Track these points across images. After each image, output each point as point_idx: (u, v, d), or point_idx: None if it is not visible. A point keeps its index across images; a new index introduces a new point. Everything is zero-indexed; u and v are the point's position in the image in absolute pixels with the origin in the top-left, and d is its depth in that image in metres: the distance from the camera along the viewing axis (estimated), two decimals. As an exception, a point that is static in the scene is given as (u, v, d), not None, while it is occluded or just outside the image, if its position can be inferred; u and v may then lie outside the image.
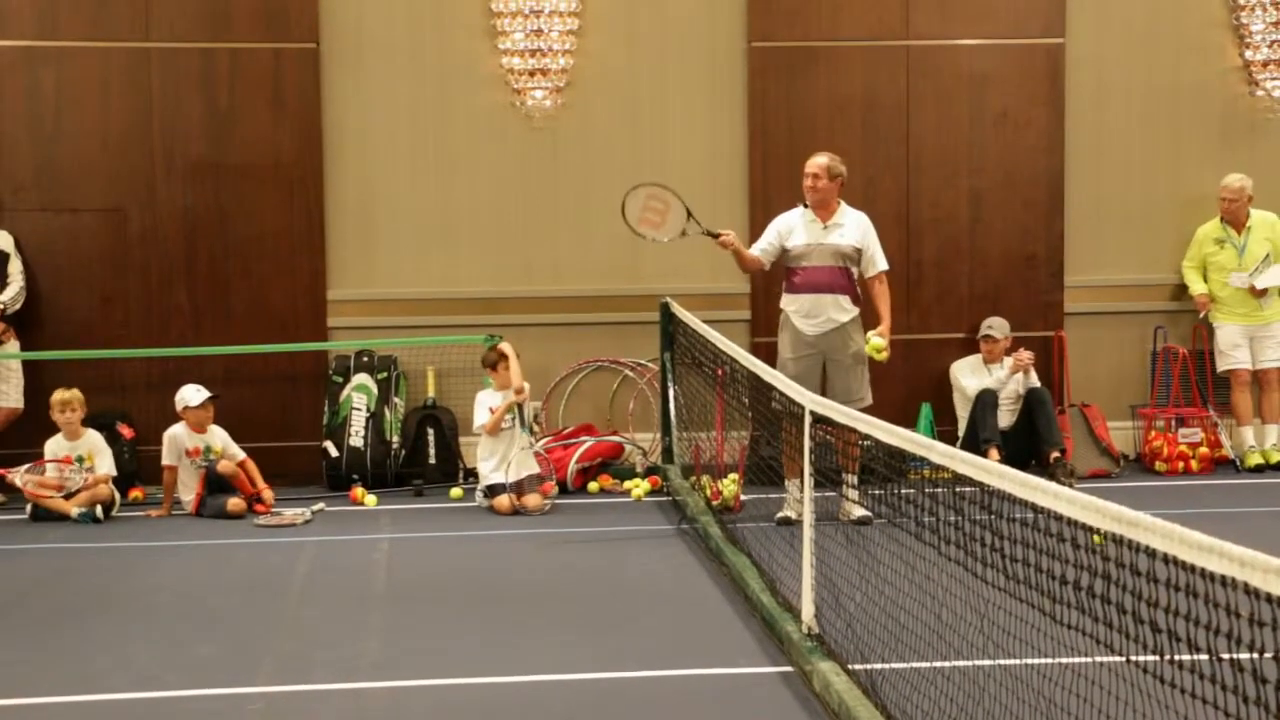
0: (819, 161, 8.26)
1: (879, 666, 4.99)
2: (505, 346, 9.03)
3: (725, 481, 8.37)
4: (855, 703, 4.72)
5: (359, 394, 9.68)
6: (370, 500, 9.11)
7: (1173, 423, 9.89)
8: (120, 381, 9.70)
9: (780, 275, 8.48)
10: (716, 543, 7.32)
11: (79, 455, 8.85)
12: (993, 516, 4.02)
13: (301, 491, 9.36)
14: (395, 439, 9.66)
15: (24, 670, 5.67)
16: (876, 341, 8.20)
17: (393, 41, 9.88)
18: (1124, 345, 10.32)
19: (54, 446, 8.88)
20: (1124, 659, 3.34)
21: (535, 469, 8.88)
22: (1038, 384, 9.65)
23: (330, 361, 9.88)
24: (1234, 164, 10.08)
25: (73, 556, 7.82)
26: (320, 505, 8.93)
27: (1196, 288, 10.07)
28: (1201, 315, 10.08)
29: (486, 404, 8.93)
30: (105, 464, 8.89)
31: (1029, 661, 4.21)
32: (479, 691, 5.36)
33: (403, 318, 9.90)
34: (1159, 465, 9.78)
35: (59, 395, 8.88)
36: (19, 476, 8.74)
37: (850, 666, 5.07)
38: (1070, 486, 5.74)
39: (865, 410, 6.35)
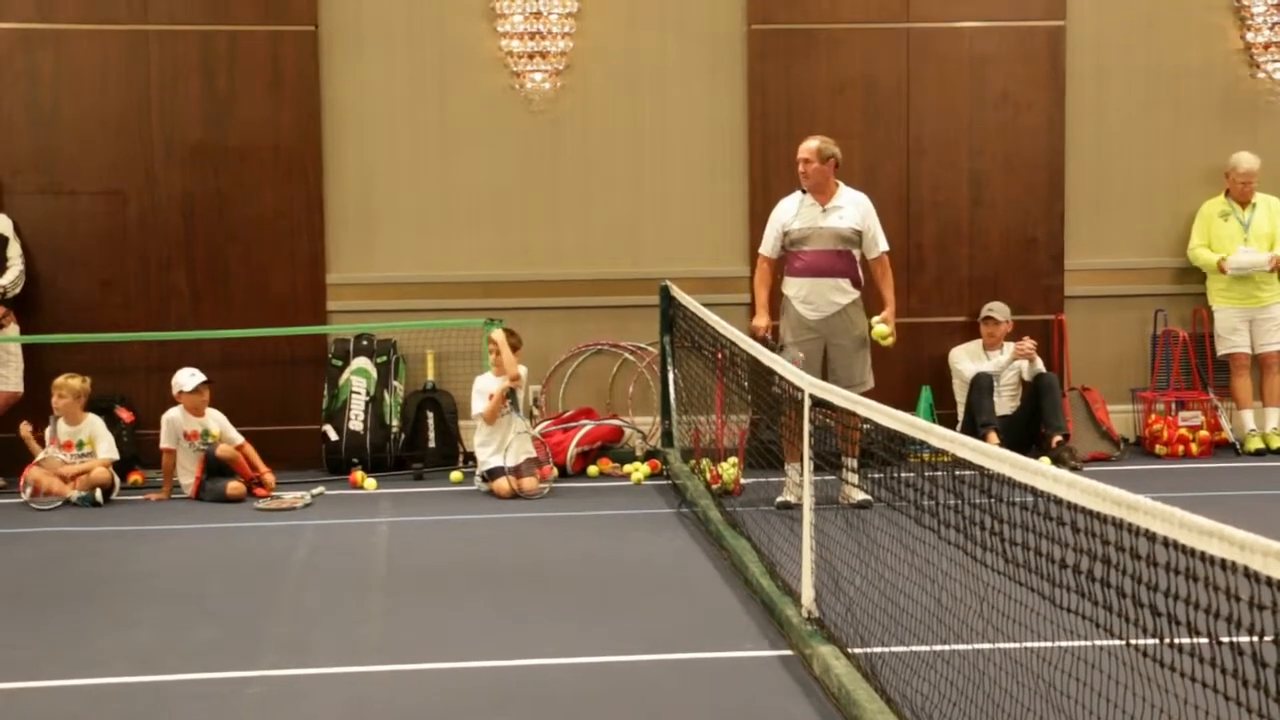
0: (810, 145, 8.24)
1: (879, 650, 4.99)
2: (496, 334, 9.00)
3: (725, 465, 8.37)
4: (855, 686, 4.72)
5: (358, 377, 9.67)
6: (370, 484, 9.11)
7: (1173, 406, 9.89)
8: (119, 365, 9.69)
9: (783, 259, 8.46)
10: (716, 526, 7.32)
11: (79, 440, 8.84)
12: (992, 500, 4.02)
13: (301, 475, 9.35)
14: (395, 422, 9.65)
15: (24, 654, 5.68)
16: (881, 328, 8.18)
17: (392, 24, 9.85)
18: (1124, 328, 10.30)
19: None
20: (1123, 643, 3.34)
21: (533, 452, 8.88)
22: (1044, 370, 9.64)
23: (329, 345, 9.87)
24: (1235, 147, 10.03)
25: (72, 540, 7.81)
26: (320, 489, 8.93)
27: (1216, 260, 9.91)
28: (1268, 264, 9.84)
29: (485, 390, 8.92)
30: (105, 448, 8.87)
31: (1028, 645, 4.21)
32: (479, 675, 5.37)
33: (402, 301, 9.89)
34: (1159, 449, 9.77)
35: (75, 383, 8.79)
36: (46, 451, 8.73)
37: (850, 650, 5.08)
38: (1077, 471, 5.75)
39: (866, 394, 6.34)
